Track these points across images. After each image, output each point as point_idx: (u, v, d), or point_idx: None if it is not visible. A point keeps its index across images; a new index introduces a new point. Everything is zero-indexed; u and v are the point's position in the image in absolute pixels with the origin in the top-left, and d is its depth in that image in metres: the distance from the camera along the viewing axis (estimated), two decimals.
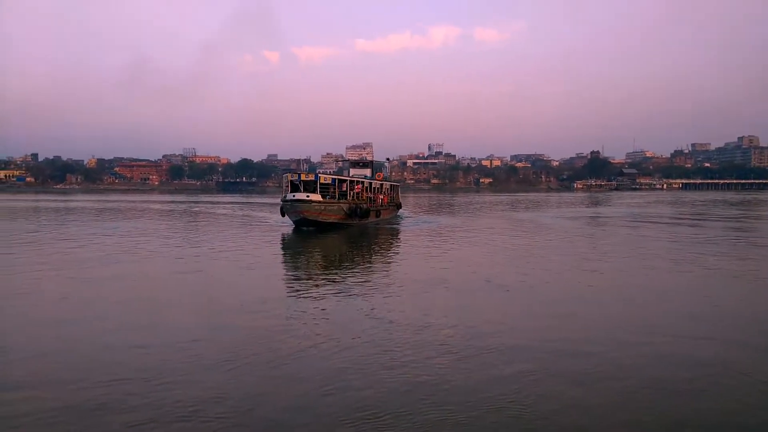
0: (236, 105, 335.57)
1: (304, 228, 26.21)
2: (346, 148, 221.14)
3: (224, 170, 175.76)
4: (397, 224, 30.44)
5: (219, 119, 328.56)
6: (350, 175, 34.65)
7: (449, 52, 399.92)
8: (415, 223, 31.59)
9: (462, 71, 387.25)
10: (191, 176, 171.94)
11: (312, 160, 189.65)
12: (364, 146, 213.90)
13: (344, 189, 28.45)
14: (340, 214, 26.98)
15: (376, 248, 20.26)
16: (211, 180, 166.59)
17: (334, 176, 28.71)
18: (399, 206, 38.36)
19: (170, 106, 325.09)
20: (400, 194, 41.42)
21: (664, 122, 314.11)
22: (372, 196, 31.92)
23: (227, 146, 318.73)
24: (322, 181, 27.14)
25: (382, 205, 32.98)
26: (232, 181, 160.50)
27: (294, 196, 26.21)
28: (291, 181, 27.68)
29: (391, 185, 38.19)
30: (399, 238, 24.20)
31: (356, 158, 38.58)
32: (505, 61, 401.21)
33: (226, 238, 22.45)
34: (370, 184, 32.19)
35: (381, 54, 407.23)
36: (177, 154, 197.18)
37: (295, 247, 20.53)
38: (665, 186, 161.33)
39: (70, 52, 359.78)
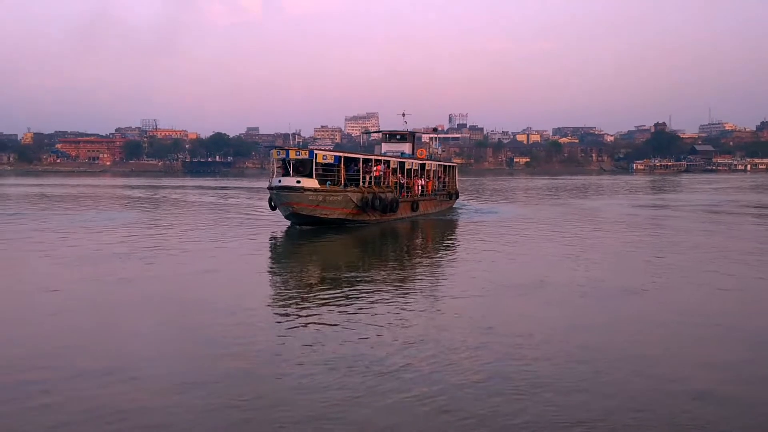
0: (208, 67, 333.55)
1: (298, 226, 23.35)
2: (346, 120, 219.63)
3: (193, 147, 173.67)
4: (445, 217, 29.42)
5: (186, 84, 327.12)
6: (382, 151, 31.42)
7: None
8: (475, 213, 30.88)
9: (493, 23, 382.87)
10: (152, 155, 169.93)
11: (303, 134, 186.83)
12: (368, 117, 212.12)
13: (356, 171, 25.30)
14: (348, 207, 23.82)
15: (407, 251, 19.47)
16: (177, 160, 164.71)
17: (338, 153, 25.35)
18: (453, 195, 34.72)
19: (128, 67, 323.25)
20: (457, 178, 37.20)
21: (748, 87, 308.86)
22: (405, 181, 28.32)
23: (196, 118, 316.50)
24: (319, 159, 23.50)
25: (423, 194, 29.60)
26: (202, 161, 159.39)
27: (280, 181, 23.12)
28: (279, 159, 24.59)
29: (441, 166, 34.39)
30: (443, 237, 23.19)
31: (393, 129, 33.83)
32: (548, 9, 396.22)
33: (202, 237, 20.82)
34: (402, 164, 28.57)
35: (390, 2, 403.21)
36: (134, 127, 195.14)
37: (282, 258, 18.20)
38: (750, 167, 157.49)
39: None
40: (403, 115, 34.92)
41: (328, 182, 23.57)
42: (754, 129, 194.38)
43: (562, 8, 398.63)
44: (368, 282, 13.17)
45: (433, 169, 32.33)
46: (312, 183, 22.77)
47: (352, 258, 17.88)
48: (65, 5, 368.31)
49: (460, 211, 32.57)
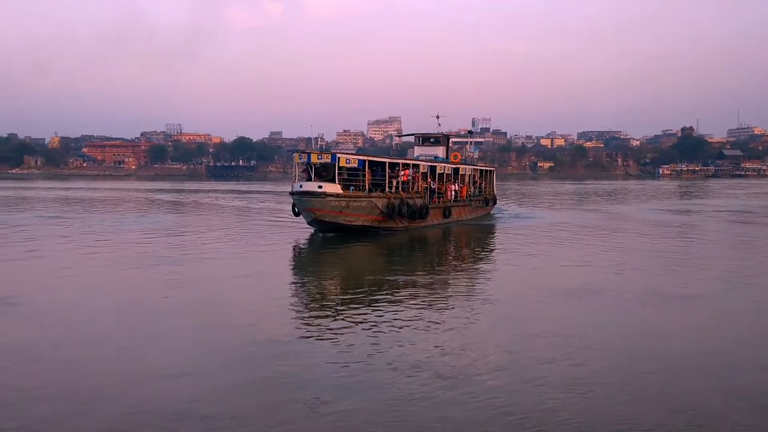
0: (230, 72, 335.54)
1: (321, 233, 22.40)
2: (368, 124, 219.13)
3: (216, 151, 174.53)
4: (480, 223, 28.68)
5: (210, 89, 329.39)
6: (415, 155, 30.32)
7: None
8: (512, 219, 30.27)
9: (516, 25, 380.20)
10: (176, 159, 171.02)
11: (326, 138, 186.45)
12: (391, 121, 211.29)
13: (381, 176, 24.12)
14: (373, 214, 22.74)
15: (439, 259, 19.04)
16: (201, 163, 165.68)
17: (363, 157, 24.26)
18: (490, 201, 32.91)
19: (153, 72, 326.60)
20: (495, 183, 35.43)
21: None
22: (436, 186, 27.02)
23: (220, 122, 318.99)
24: (342, 163, 22.49)
25: (456, 200, 28.32)
26: (226, 165, 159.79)
27: (302, 186, 22.10)
28: (301, 163, 23.61)
29: (477, 170, 32.75)
30: (479, 244, 22.72)
31: (426, 132, 32.23)
32: (571, 9, 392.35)
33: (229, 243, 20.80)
34: (432, 168, 27.21)
35: (411, 4, 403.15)
36: (159, 131, 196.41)
37: (307, 267, 17.51)
38: None
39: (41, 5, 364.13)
40: (437, 117, 33.24)
41: (352, 187, 22.50)
42: None
43: (585, 9, 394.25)
44: (408, 289, 12.96)
45: (468, 173, 30.86)
46: (335, 188, 21.75)
47: (382, 266, 17.09)
48: (91, 10, 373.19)
49: (495, 216, 31.56)
